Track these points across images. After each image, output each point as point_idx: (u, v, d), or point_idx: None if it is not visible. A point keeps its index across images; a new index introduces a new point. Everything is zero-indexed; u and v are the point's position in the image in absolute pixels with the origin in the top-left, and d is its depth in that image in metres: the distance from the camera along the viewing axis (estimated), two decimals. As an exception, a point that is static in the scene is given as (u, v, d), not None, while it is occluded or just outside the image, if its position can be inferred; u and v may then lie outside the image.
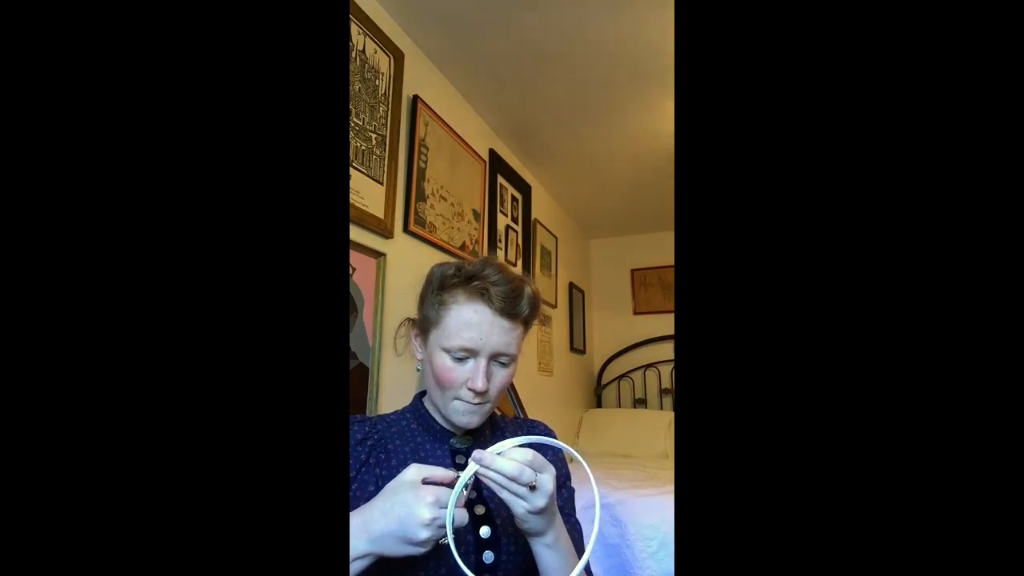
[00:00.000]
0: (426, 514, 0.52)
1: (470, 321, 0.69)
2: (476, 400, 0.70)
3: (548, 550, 0.64)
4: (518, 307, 0.71)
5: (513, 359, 0.73)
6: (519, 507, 0.58)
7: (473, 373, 0.69)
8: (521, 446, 0.61)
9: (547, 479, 0.59)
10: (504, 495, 0.58)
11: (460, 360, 0.70)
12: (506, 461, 0.57)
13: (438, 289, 0.73)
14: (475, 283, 0.70)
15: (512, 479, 0.57)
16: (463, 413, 0.71)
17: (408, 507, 0.53)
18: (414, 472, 0.56)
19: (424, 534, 0.52)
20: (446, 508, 0.54)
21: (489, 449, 0.59)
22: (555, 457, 0.84)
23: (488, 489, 0.63)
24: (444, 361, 0.70)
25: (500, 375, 0.72)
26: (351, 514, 0.57)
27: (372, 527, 0.54)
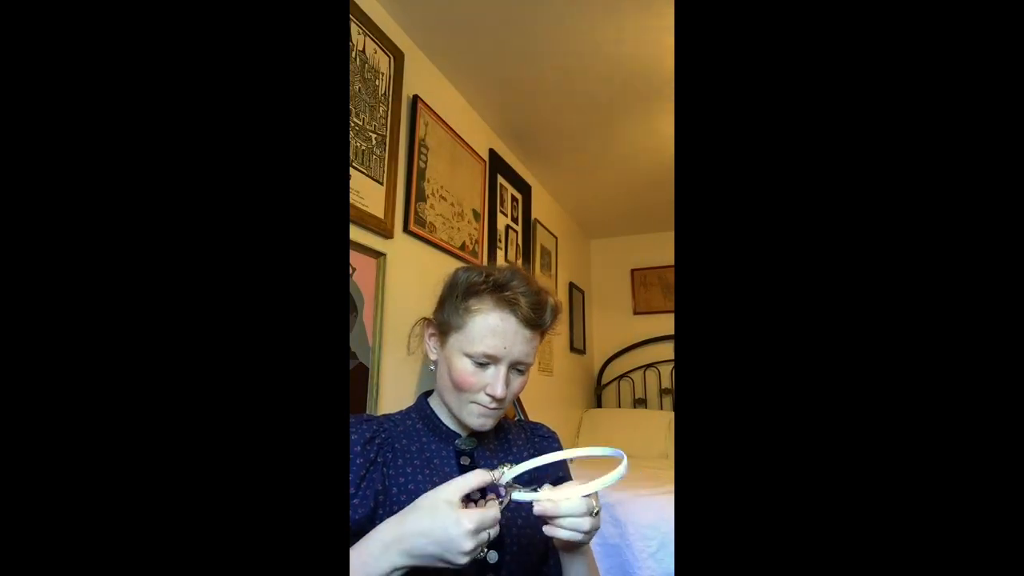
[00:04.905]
0: (468, 545, 0.53)
1: (496, 329, 0.70)
2: (493, 405, 0.72)
3: (583, 557, 0.70)
4: (542, 318, 0.73)
5: (529, 367, 0.75)
6: (583, 537, 0.61)
7: (493, 380, 0.71)
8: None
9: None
10: (574, 536, 0.61)
11: (481, 366, 0.71)
12: (571, 502, 0.59)
13: (464, 294, 0.73)
14: (505, 293, 0.71)
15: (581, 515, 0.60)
16: (478, 416, 0.72)
17: (450, 536, 0.53)
18: (453, 491, 0.56)
19: (464, 560, 0.54)
20: (486, 532, 0.55)
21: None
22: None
23: (491, 489, 0.64)
24: (465, 365, 0.71)
25: (517, 382, 0.74)
26: (383, 524, 0.58)
27: (411, 545, 0.55)
